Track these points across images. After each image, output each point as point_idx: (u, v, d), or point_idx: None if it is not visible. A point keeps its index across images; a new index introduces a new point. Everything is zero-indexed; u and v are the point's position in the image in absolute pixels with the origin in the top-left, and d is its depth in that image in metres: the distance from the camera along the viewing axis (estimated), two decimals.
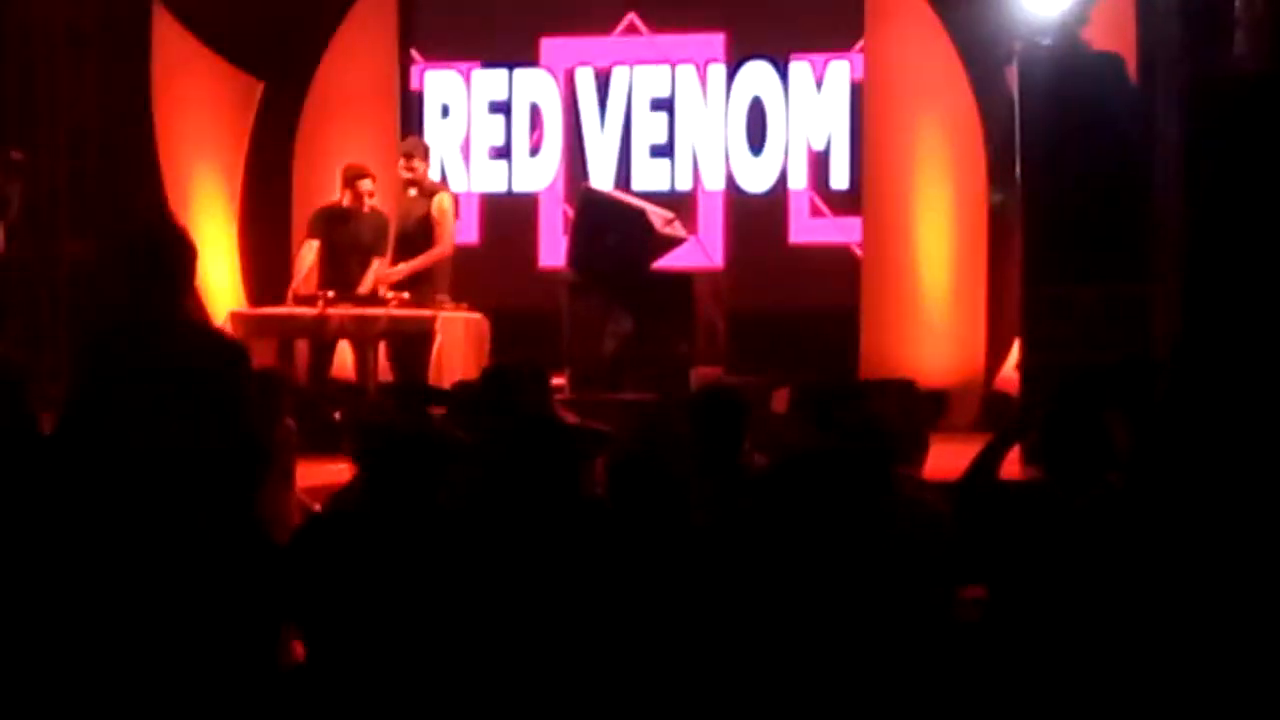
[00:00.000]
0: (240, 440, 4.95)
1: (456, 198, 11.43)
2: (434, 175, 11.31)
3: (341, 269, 10.78)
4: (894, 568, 4.25)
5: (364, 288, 10.73)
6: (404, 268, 10.71)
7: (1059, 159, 9.72)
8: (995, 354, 11.50)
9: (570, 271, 10.82)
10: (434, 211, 10.83)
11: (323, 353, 10.74)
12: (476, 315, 10.61)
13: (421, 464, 4.68)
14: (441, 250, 10.88)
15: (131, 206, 12.19)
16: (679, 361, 10.21)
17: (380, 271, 10.75)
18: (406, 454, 4.68)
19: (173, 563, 4.48)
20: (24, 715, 4.30)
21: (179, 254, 5.16)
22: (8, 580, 4.44)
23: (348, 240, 10.82)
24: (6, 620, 4.38)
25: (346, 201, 10.82)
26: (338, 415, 9.96)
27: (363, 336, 10.55)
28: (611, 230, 10.56)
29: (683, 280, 10.81)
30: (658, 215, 10.72)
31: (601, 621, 4.29)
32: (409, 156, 11.01)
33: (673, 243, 10.99)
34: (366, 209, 10.82)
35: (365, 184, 10.81)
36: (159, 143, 12.50)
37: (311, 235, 10.91)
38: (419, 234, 10.81)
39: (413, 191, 10.94)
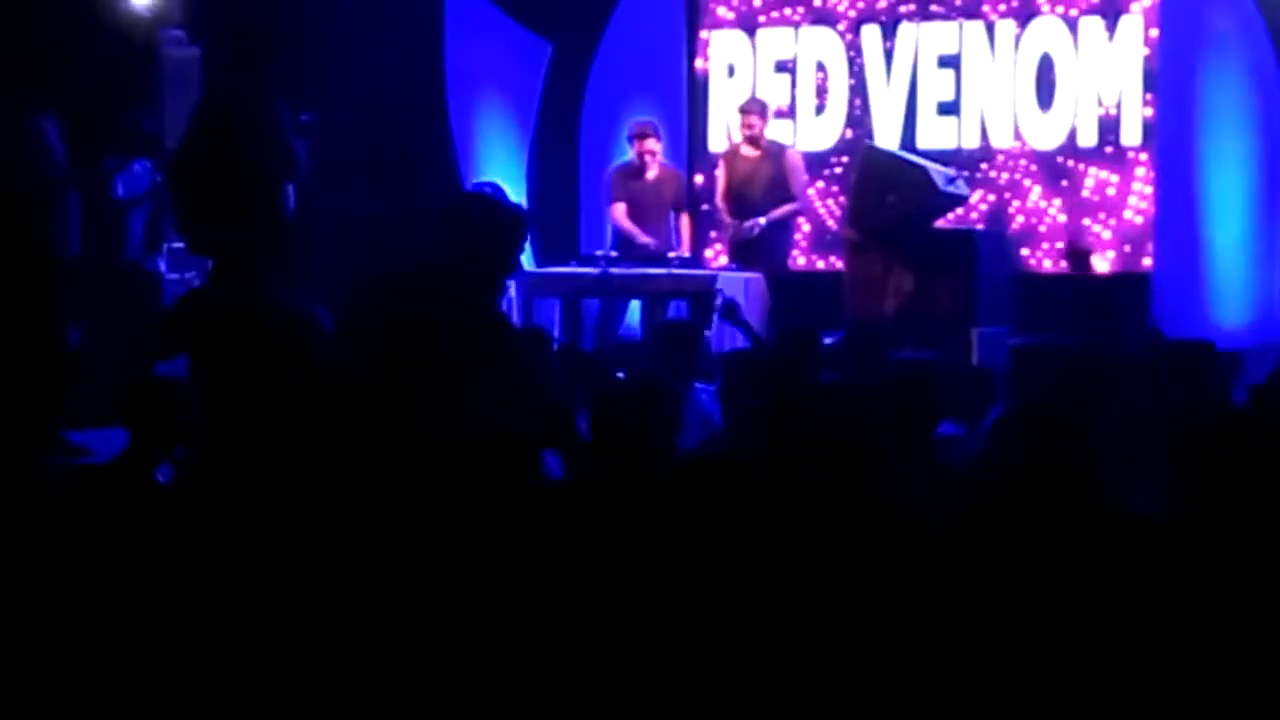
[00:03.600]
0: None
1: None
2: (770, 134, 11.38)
3: (641, 226, 10.98)
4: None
5: (684, 247, 10.94)
6: (765, 218, 10.85)
7: None
8: None
9: (851, 230, 10.79)
10: (788, 168, 11.00)
11: (609, 312, 10.91)
12: (756, 274, 10.64)
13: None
14: (800, 204, 11.11)
15: (425, 168, 12.49)
16: (960, 320, 10.12)
17: (737, 222, 10.88)
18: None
19: None
20: None
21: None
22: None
23: (647, 197, 11.02)
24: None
25: (635, 160, 11.04)
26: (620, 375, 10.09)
27: (647, 294, 10.67)
28: (893, 188, 10.50)
29: (965, 238, 10.70)
30: (940, 173, 10.63)
31: None
32: (746, 113, 11.18)
33: (955, 201, 10.90)
34: (655, 166, 11.01)
35: (649, 143, 10.97)
36: (450, 105, 12.75)
37: (615, 196, 11.13)
38: (767, 190, 10.93)
39: (749, 149, 11.06)
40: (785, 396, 5.27)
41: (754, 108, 11.28)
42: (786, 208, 11.01)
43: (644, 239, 10.98)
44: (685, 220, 11.27)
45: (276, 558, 4.43)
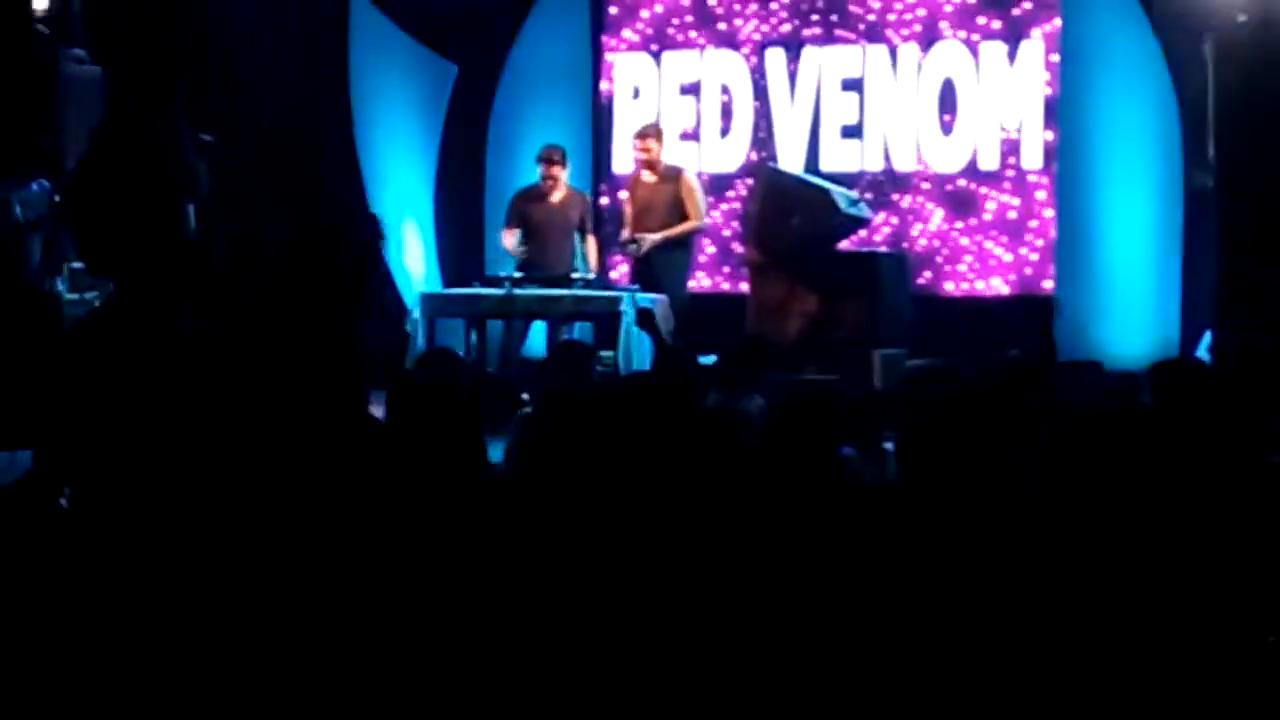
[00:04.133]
0: None
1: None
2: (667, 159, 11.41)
3: (539, 250, 10.97)
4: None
5: (591, 269, 10.94)
6: (660, 235, 10.85)
7: (1254, 137, 9.53)
8: (1191, 336, 11.31)
9: (754, 252, 10.84)
10: (683, 190, 11.00)
11: (514, 333, 10.92)
12: (661, 296, 10.67)
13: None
14: (697, 224, 11.09)
15: (329, 190, 12.47)
16: (862, 342, 10.19)
17: (640, 238, 10.89)
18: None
19: None
20: None
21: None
22: None
23: (543, 220, 11.02)
24: None
25: (541, 183, 11.07)
26: (525, 395, 10.10)
27: (550, 316, 10.70)
28: (796, 210, 10.56)
29: (867, 260, 10.77)
30: (842, 195, 10.71)
31: None
32: (642, 138, 11.18)
33: (857, 223, 10.98)
34: (559, 189, 11.01)
35: (553, 169, 11.01)
36: (355, 126, 12.74)
37: (509, 221, 11.14)
38: (666, 213, 10.93)
39: (647, 173, 11.07)
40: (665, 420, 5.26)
41: (649, 132, 11.29)
42: (682, 227, 10.99)
43: (511, 245, 10.94)
44: (592, 242, 11.28)
45: (176, 580, 4.41)
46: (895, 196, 12.20)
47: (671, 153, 11.62)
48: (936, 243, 12.13)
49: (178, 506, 4.61)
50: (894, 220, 12.15)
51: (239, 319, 6.47)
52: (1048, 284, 11.86)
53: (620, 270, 12.11)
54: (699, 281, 11.98)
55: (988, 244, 12.04)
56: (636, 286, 10.82)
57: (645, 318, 9.75)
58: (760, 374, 7.46)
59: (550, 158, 11.12)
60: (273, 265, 10.78)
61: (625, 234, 11.13)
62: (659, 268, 10.88)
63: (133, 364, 7.05)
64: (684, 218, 11.01)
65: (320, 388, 5.22)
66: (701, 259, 12.09)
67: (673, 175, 11.11)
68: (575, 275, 10.81)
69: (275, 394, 5.10)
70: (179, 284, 7.83)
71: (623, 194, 11.56)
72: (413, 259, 12.71)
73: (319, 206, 12.09)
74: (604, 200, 12.52)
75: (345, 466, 4.73)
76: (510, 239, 11.04)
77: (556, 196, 11.13)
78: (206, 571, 4.41)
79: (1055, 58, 11.85)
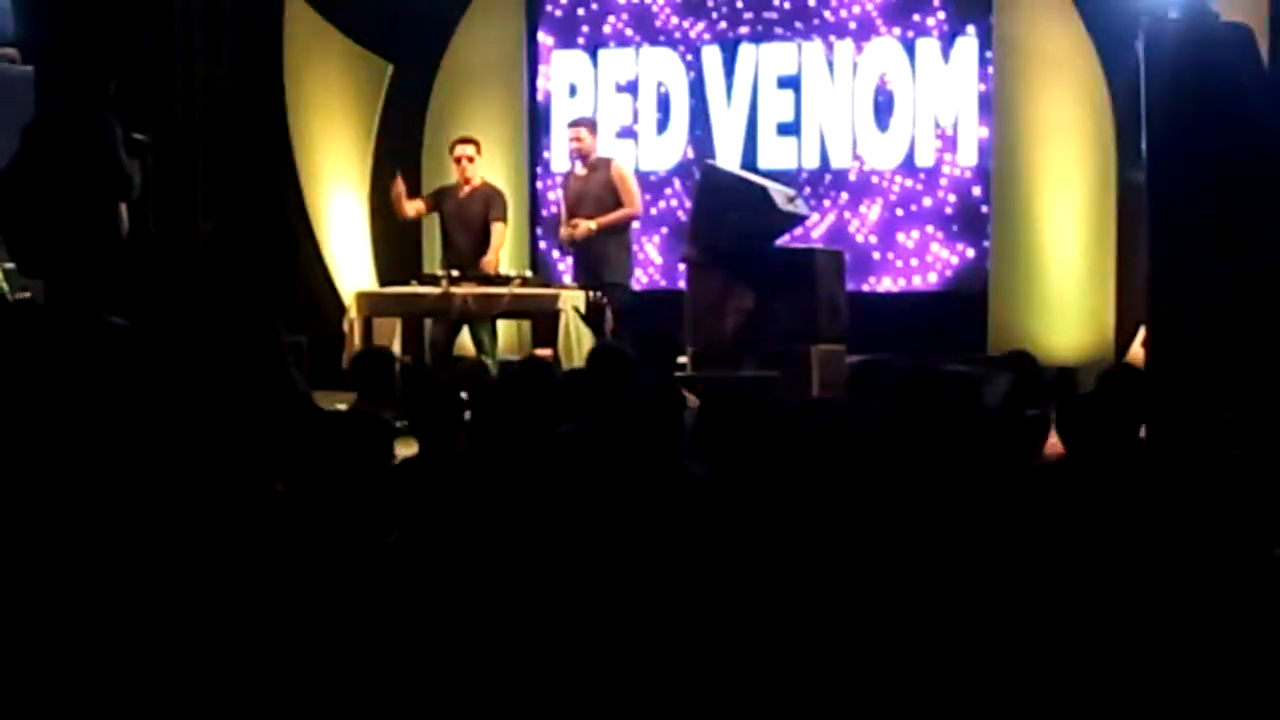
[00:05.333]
0: None
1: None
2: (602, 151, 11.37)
3: (454, 243, 10.95)
4: None
5: (489, 256, 10.87)
6: (595, 223, 10.80)
7: (1185, 134, 9.57)
8: (1126, 331, 11.37)
9: (692, 249, 10.84)
10: (614, 178, 10.94)
11: (447, 332, 10.87)
12: (597, 292, 10.65)
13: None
14: (631, 210, 11.02)
15: (264, 188, 12.42)
16: (800, 339, 10.20)
17: (575, 224, 10.85)
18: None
19: None
20: None
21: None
22: None
23: (455, 215, 10.99)
24: None
25: (454, 176, 11.04)
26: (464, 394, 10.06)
27: (485, 315, 10.67)
28: (733, 207, 10.57)
29: (804, 257, 10.79)
30: (779, 193, 10.72)
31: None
32: (574, 127, 11.18)
33: (795, 220, 10.99)
34: (472, 180, 10.97)
35: (463, 149, 10.96)
36: (291, 125, 12.68)
37: (421, 196, 11.17)
38: (597, 204, 10.89)
39: (579, 164, 11.04)
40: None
41: (582, 122, 11.27)
42: (616, 214, 10.92)
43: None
44: (497, 229, 11.10)
45: (100, 575, 4.38)
46: (832, 193, 12.24)
47: (607, 149, 11.60)
48: (874, 239, 12.17)
49: (103, 503, 4.58)
50: (831, 217, 12.18)
51: (172, 318, 6.44)
52: (982, 280, 11.91)
53: (562, 266, 12.09)
54: (636, 279, 11.98)
55: (924, 240, 12.09)
56: (575, 284, 10.80)
57: (590, 313, 9.75)
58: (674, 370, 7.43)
59: (457, 141, 11.12)
60: (206, 265, 10.78)
61: (563, 231, 11.10)
62: (597, 258, 10.84)
63: (61, 362, 7.01)
64: (618, 207, 10.96)
65: (251, 385, 5.21)
66: (640, 256, 12.09)
67: (602, 165, 11.08)
68: (513, 274, 10.78)
69: (203, 392, 5.09)
70: (111, 284, 7.80)
71: (555, 194, 11.48)
72: (348, 257, 12.66)
73: (254, 207, 12.05)
74: (552, 197, 12.52)
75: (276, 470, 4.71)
76: (401, 192, 11.01)
77: (466, 189, 11.07)
78: (137, 566, 4.39)
79: (989, 54, 11.91)
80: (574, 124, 11.29)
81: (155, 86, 11.70)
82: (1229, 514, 4.46)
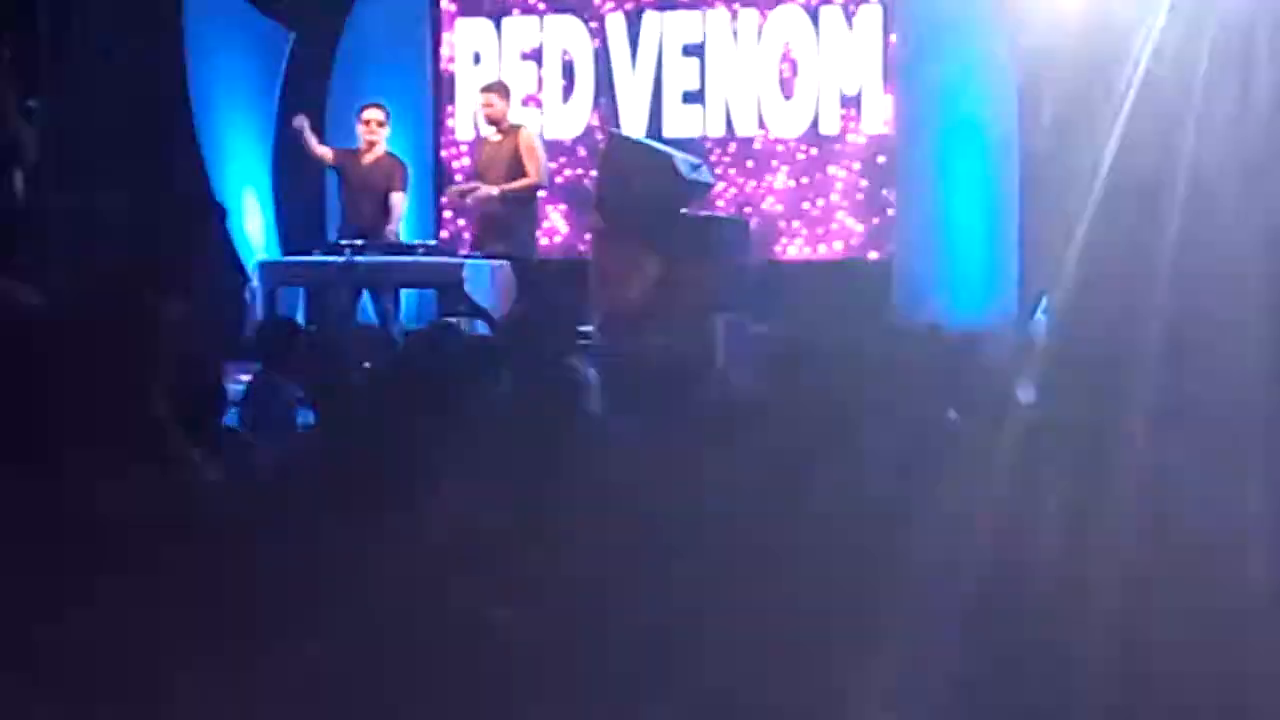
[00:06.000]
0: None
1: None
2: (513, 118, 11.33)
3: (354, 210, 10.88)
4: None
5: (391, 226, 10.80)
6: (496, 189, 10.73)
7: (1089, 99, 9.60)
8: (1029, 299, 11.41)
9: (597, 217, 10.81)
10: (522, 147, 10.87)
11: (350, 301, 10.80)
12: (502, 262, 10.61)
13: None
14: (536, 180, 10.94)
15: (165, 156, 12.28)
16: (704, 308, 10.19)
17: (472, 189, 10.77)
18: None
19: None
20: None
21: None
22: None
23: (357, 183, 10.92)
24: None
25: (358, 143, 10.98)
26: (366, 364, 10.00)
27: (389, 284, 10.60)
28: (638, 175, 10.54)
29: (709, 225, 10.78)
30: (685, 161, 10.70)
31: None
32: (486, 91, 11.13)
33: (700, 189, 10.98)
34: (378, 141, 10.91)
35: (372, 114, 10.90)
36: (191, 92, 12.53)
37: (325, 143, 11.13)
38: (506, 171, 10.83)
39: (492, 131, 10.98)
40: None
41: (494, 88, 11.23)
42: (518, 183, 10.88)
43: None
44: (396, 198, 11.05)
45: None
46: (738, 162, 12.22)
47: (514, 116, 11.54)
48: (779, 207, 12.17)
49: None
50: (738, 184, 12.18)
51: (73, 294, 6.32)
52: (888, 248, 11.94)
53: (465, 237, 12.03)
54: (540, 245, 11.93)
55: (829, 209, 12.10)
56: (478, 254, 10.74)
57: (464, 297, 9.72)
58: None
59: (362, 108, 11.06)
60: (108, 238, 10.62)
61: (453, 189, 11.00)
62: (499, 227, 10.80)
63: None
64: (523, 175, 10.91)
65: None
66: (546, 224, 12.04)
67: (512, 131, 11.03)
68: (416, 243, 10.73)
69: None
70: (5, 252, 7.68)
71: (460, 162, 11.40)
72: (252, 227, 12.53)
73: (155, 176, 11.89)
74: (458, 166, 12.44)
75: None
76: (306, 126, 10.96)
77: (369, 157, 11.01)
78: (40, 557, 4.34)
79: (893, 21, 11.91)
80: (486, 89, 11.25)
81: (51, 52, 11.52)
82: None
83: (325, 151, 11.09)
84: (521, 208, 10.94)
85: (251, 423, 6.85)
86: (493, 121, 11.02)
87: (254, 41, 12.66)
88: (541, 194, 11.33)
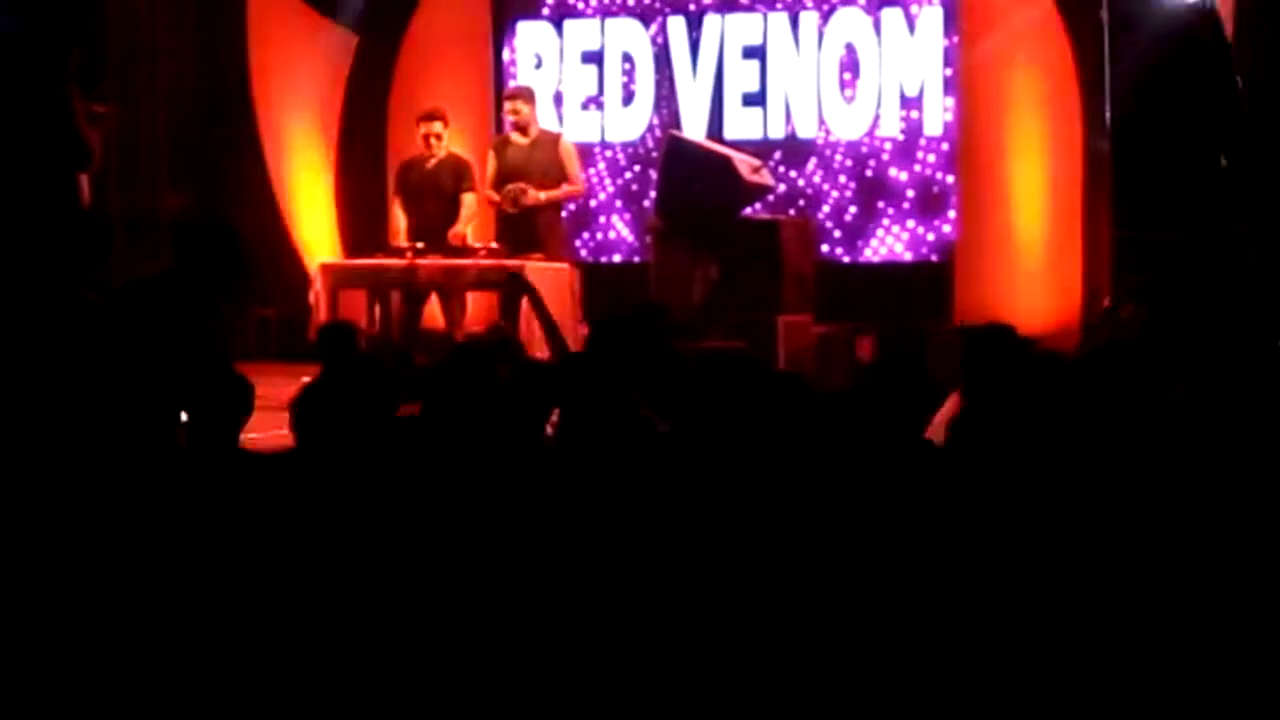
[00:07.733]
0: None
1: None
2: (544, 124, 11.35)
3: (421, 216, 10.86)
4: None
5: (460, 227, 10.79)
6: (546, 195, 10.76)
7: (1148, 103, 9.61)
8: (1092, 300, 11.39)
9: (657, 220, 10.84)
10: (562, 154, 10.90)
11: (413, 304, 10.83)
12: (564, 265, 10.62)
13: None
14: (581, 188, 11.12)
15: (229, 161, 12.39)
16: (765, 309, 10.21)
17: (523, 188, 10.79)
18: None
19: None
20: None
21: None
22: None
23: (424, 186, 10.91)
24: None
25: (419, 148, 10.97)
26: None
27: (451, 287, 10.62)
28: (698, 178, 10.57)
29: (770, 227, 10.79)
30: (744, 163, 10.72)
31: None
32: (511, 99, 11.12)
33: (760, 190, 10.99)
34: (438, 153, 10.90)
35: (432, 126, 10.89)
36: (255, 97, 12.62)
37: (395, 191, 11.07)
38: (543, 177, 10.82)
39: (517, 135, 10.99)
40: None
41: (519, 94, 11.20)
42: (565, 190, 10.91)
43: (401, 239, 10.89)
44: (468, 200, 11.02)
45: (73, 553, 4.37)
46: (799, 164, 12.23)
47: (574, 121, 11.58)
48: (839, 210, 12.17)
49: (72, 485, 4.56)
50: (798, 186, 12.18)
51: (136, 295, 6.40)
52: (949, 251, 11.92)
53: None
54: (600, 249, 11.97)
55: (890, 211, 12.09)
56: (540, 257, 10.75)
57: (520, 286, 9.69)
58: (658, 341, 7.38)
59: (423, 116, 11.05)
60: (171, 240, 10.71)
61: (509, 189, 10.95)
62: (543, 231, 10.78)
63: (35, 337, 6.98)
64: (560, 182, 10.91)
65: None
66: (607, 228, 12.07)
67: (549, 140, 11.03)
68: (479, 246, 10.74)
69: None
70: (75, 256, 7.77)
71: (488, 160, 11.32)
72: (315, 230, 12.63)
73: (223, 182, 12.02)
74: None
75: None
76: (397, 216, 11.00)
77: (432, 162, 11.00)
78: (102, 547, 4.38)
79: (955, 23, 11.90)
80: (510, 95, 11.23)
81: (118, 58, 11.64)
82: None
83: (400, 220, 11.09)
84: (558, 214, 11.00)
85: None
86: (519, 127, 10.99)
87: (318, 44, 12.75)
88: (572, 205, 11.43)
